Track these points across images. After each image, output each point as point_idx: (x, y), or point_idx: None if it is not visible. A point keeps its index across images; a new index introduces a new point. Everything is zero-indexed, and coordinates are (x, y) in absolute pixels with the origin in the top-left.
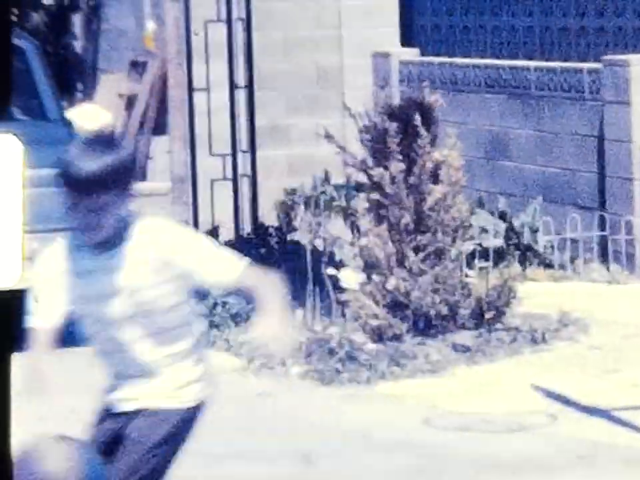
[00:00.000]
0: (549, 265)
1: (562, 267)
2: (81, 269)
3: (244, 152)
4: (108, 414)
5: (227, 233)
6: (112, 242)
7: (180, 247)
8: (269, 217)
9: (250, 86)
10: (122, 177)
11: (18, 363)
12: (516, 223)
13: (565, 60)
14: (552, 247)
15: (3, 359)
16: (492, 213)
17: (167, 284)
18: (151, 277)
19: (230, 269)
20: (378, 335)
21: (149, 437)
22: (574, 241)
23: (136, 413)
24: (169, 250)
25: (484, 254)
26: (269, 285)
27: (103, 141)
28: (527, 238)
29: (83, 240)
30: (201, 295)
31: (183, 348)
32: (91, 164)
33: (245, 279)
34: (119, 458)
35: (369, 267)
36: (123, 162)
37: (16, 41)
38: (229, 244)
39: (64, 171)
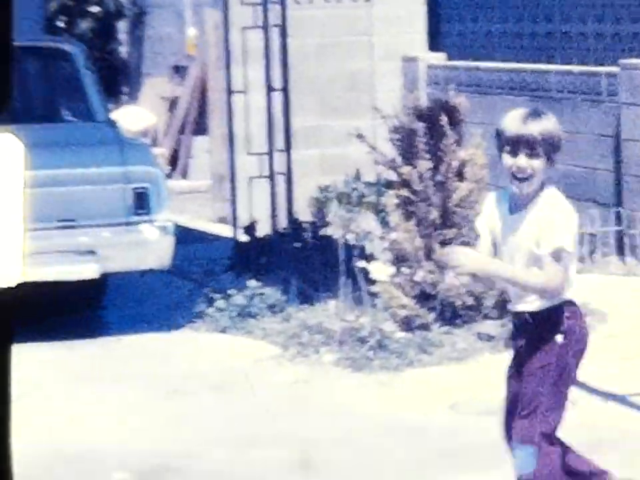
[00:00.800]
0: None
1: (581, 260)
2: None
3: (280, 151)
4: None
5: (264, 228)
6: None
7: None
8: (304, 213)
9: (285, 89)
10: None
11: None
12: None
13: (584, 64)
14: None
15: (3, 352)
16: None
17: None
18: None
19: None
20: (407, 325)
21: None
22: (592, 236)
23: None
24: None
25: None
26: None
27: None
28: None
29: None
30: (240, 287)
31: None
32: None
33: None
34: None
35: (398, 260)
36: None
37: (65, 46)
38: (265, 238)
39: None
